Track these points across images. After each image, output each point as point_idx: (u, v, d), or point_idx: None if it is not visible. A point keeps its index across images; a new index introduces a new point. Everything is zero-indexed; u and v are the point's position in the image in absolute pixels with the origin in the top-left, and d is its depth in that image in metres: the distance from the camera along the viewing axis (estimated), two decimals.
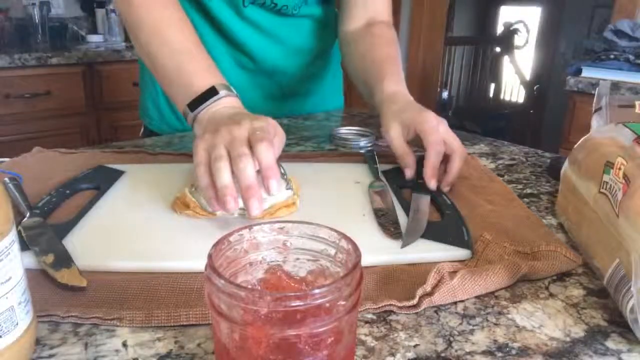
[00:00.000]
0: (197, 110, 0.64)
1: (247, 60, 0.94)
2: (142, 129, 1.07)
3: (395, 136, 0.71)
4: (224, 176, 0.52)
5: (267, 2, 0.87)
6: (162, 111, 1.00)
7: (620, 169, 0.45)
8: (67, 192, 0.63)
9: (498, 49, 4.48)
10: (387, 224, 0.56)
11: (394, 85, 0.78)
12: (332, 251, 0.34)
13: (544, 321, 0.43)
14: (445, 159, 0.67)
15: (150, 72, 0.79)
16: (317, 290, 0.28)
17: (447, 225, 0.57)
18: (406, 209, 0.60)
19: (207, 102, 0.64)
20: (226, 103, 0.64)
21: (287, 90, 1.02)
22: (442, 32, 3.13)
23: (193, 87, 0.65)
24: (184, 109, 0.66)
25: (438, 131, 0.67)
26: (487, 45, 4.58)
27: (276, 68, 0.96)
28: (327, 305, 0.29)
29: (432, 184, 0.65)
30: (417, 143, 0.70)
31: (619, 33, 1.79)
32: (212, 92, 0.64)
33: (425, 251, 0.51)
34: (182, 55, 0.70)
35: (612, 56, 1.78)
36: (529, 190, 0.72)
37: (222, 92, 0.64)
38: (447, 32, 3.55)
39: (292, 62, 0.98)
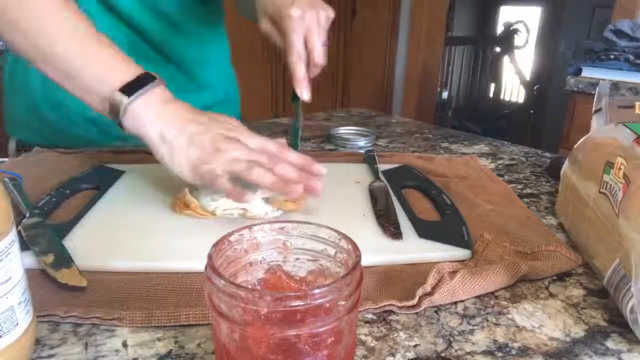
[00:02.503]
0: (135, 95, 0.54)
1: (145, 44, 0.83)
2: (12, 145, 0.91)
3: (268, 29, 0.67)
4: (266, 177, 0.53)
5: None
6: (44, 117, 0.85)
7: (620, 169, 0.45)
8: (67, 192, 0.63)
9: (498, 49, 4.48)
10: (387, 224, 0.56)
11: None
12: (332, 251, 0.34)
13: (544, 321, 0.43)
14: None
15: (24, 76, 0.73)
16: (317, 290, 0.28)
17: (447, 225, 0.57)
18: (406, 209, 0.60)
19: (145, 88, 0.55)
20: (161, 92, 0.56)
21: (193, 80, 0.92)
22: (442, 32, 3.12)
23: (115, 73, 0.55)
24: (110, 98, 0.54)
25: (301, 23, 0.63)
26: (487, 45, 4.58)
27: (172, 50, 0.86)
28: (327, 305, 0.29)
29: (304, 95, 0.64)
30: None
31: (619, 33, 1.79)
32: (146, 78, 0.55)
33: (425, 251, 0.51)
34: (86, 43, 0.56)
35: (612, 56, 1.78)
36: (529, 190, 0.72)
37: (158, 79, 0.56)
38: (447, 32, 3.54)
39: (182, 38, 0.87)
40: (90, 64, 0.55)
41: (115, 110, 0.54)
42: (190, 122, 0.54)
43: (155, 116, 0.54)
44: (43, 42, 0.55)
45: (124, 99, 0.53)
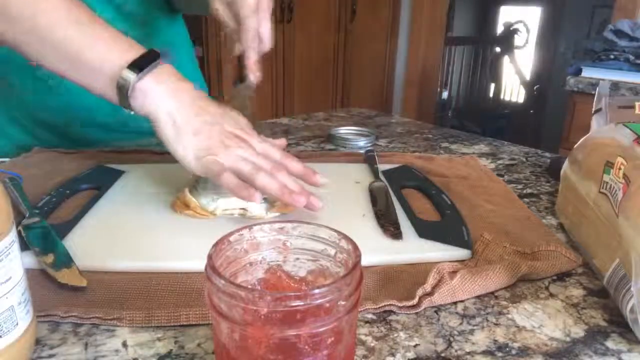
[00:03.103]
0: (144, 72, 0.53)
1: None
2: None
3: (220, 8, 0.67)
4: (273, 183, 0.53)
5: None
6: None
7: (620, 169, 0.45)
8: (67, 192, 0.63)
9: (498, 49, 4.48)
10: (387, 224, 0.56)
11: None
12: (332, 251, 0.34)
13: (544, 321, 0.43)
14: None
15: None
16: (317, 290, 0.28)
17: (447, 225, 0.57)
18: (406, 209, 0.60)
19: (154, 64, 0.54)
20: (169, 68, 0.56)
21: None
22: (442, 32, 3.13)
23: (121, 52, 0.54)
24: (118, 76, 0.53)
25: (253, 9, 0.64)
26: (487, 45, 4.58)
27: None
28: (327, 305, 0.29)
29: (252, 77, 0.66)
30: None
31: (619, 33, 1.79)
32: (153, 54, 0.55)
33: (425, 251, 0.51)
34: (89, 29, 0.56)
35: (612, 56, 1.78)
36: (529, 190, 0.72)
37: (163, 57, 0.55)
38: (447, 32, 3.54)
39: (147, 38, 0.85)
40: (95, 45, 0.54)
41: (123, 90, 0.52)
42: (201, 110, 0.54)
43: (166, 94, 0.53)
44: (46, 32, 0.54)
45: (133, 76, 0.52)
